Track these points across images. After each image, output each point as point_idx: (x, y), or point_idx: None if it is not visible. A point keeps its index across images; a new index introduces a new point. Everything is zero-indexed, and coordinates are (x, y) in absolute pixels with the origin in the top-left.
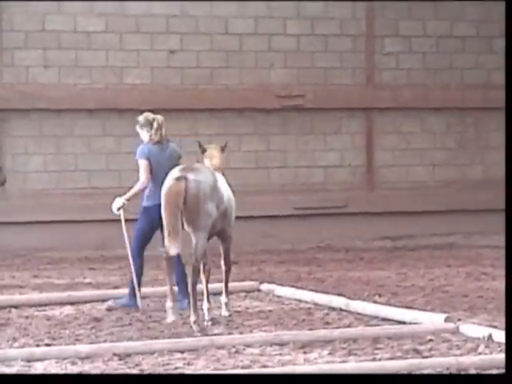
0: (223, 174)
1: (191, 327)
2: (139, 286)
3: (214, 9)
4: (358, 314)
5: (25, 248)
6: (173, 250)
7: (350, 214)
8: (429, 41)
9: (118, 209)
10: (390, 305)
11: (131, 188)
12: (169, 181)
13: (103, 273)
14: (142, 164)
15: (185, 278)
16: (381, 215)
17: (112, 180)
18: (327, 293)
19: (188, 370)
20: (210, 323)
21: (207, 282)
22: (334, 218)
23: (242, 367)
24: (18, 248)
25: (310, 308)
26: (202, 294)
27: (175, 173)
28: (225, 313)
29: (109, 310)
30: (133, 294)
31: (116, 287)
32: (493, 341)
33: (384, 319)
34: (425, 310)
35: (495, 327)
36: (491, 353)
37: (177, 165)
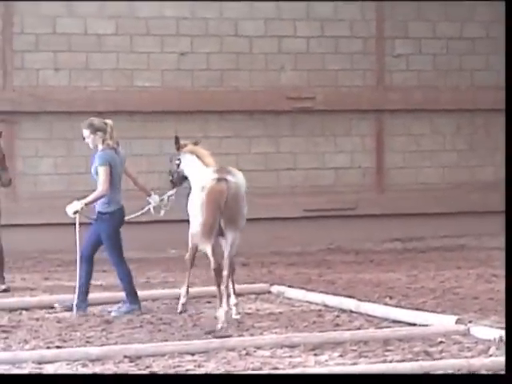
0: None
1: (218, 321)
2: (87, 291)
3: (224, 11)
4: (369, 315)
5: (35, 250)
6: (204, 248)
7: (360, 216)
8: (439, 42)
9: (75, 212)
10: (401, 307)
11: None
12: (207, 182)
13: (114, 275)
14: (105, 171)
15: (131, 279)
16: (391, 217)
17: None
18: (337, 295)
19: (198, 372)
20: (239, 316)
21: (233, 280)
22: (344, 220)
23: (253, 369)
24: (28, 250)
25: (320, 310)
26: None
27: (211, 174)
28: (235, 315)
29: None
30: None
31: None
32: (504, 342)
33: (394, 321)
34: (435, 312)
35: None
36: (502, 354)
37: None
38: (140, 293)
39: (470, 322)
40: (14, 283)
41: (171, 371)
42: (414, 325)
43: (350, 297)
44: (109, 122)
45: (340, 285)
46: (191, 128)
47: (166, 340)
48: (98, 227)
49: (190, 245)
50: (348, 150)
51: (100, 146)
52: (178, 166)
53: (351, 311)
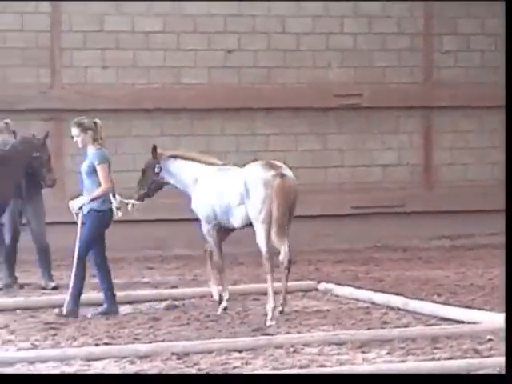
0: None
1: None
2: (81, 291)
3: (271, 8)
4: (417, 313)
5: None
6: (280, 245)
7: (408, 213)
8: (487, 39)
9: (80, 208)
10: (449, 304)
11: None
12: (266, 177)
13: (161, 272)
14: (105, 168)
15: (111, 281)
16: (439, 214)
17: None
18: (385, 292)
19: (246, 370)
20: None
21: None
22: (392, 217)
23: (300, 366)
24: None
25: (367, 307)
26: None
27: (265, 168)
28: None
29: (167, 309)
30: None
31: (174, 286)
32: None
33: (442, 319)
34: (484, 310)
35: None
36: None
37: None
38: (187, 290)
39: None
40: (62, 280)
41: (219, 368)
42: (463, 322)
43: (397, 294)
44: (98, 121)
45: (388, 282)
46: (238, 125)
47: (214, 337)
48: (91, 224)
49: (213, 245)
50: (396, 147)
51: (90, 146)
52: (158, 174)
53: (399, 309)
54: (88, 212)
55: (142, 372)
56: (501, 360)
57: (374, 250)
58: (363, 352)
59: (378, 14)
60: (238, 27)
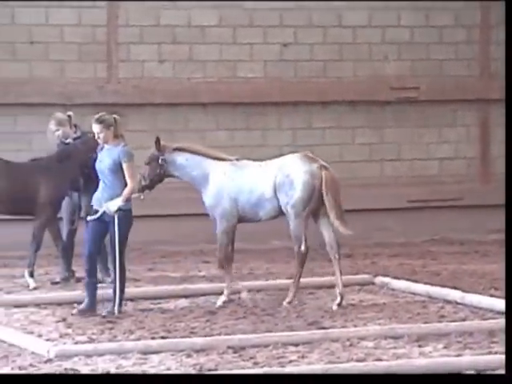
0: None
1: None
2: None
3: (327, 1)
4: (474, 307)
5: (140, 242)
6: (345, 230)
7: (465, 207)
8: None
9: (116, 211)
10: None
11: None
12: (312, 168)
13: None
14: (132, 166)
15: (124, 275)
16: (496, 208)
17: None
18: (442, 286)
19: (302, 363)
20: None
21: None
22: (449, 211)
23: (357, 360)
24: (133, 242)
25: (424, 301)
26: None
27: (305, 161)
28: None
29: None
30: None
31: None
32: None
33: (499, 312)
34: None
35: None
36: None
37: None
38: (244, 284)
39: None
40: None
41: (275, 362)
42: None
43: (454, 288)
44: (117, 117)
45: (444, 276)
46: (294, 119)
47: (270, 331)
48: (119, 223)
49: (225, 242)
50: (452, 141)
51: (111, 142)
52: (162, 166)
53: (456, 302)
54: (117, 211)
55: (198, 365)
56: None
57: (431, 243)
58: (420, 346)
59: (434, 6)
60: (294, 21)
